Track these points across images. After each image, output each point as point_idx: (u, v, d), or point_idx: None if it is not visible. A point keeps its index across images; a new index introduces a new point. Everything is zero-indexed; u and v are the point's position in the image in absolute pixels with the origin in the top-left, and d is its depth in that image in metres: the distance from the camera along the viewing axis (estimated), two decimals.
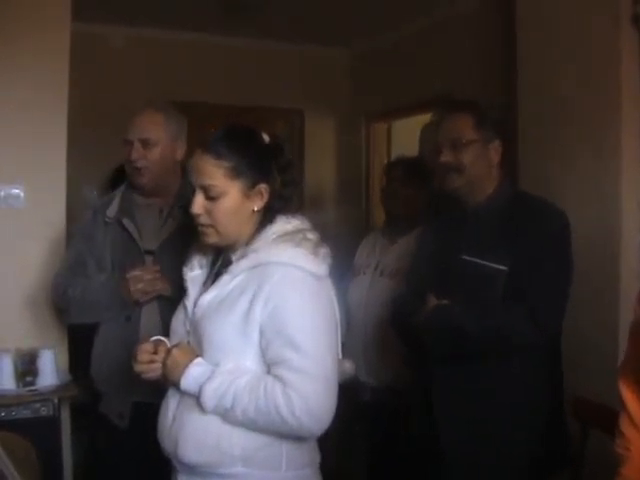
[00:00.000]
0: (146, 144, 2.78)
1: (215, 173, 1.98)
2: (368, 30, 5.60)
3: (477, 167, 2.61)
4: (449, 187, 2.67)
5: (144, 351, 2.06)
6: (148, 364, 2.05)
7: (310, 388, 1.85)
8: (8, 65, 3.48)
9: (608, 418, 2.53)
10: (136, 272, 2.72)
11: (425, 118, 5.03)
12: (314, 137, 6.26)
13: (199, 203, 2.00)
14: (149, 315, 2.77)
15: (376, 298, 3.31)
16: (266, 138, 2.09)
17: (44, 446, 3.03)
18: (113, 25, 5.29)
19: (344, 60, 6.35)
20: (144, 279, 2.72)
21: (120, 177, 4.69)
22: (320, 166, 6.28)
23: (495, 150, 2.64)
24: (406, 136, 5.97)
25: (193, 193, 2.02)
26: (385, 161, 6.11)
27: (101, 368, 2.88)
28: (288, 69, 5.98)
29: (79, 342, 3.29)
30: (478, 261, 2.55)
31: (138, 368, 2.06)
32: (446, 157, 2.62)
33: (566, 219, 2.58)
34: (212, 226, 2.02)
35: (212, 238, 2.04)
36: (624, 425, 2.00)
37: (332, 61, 6.29)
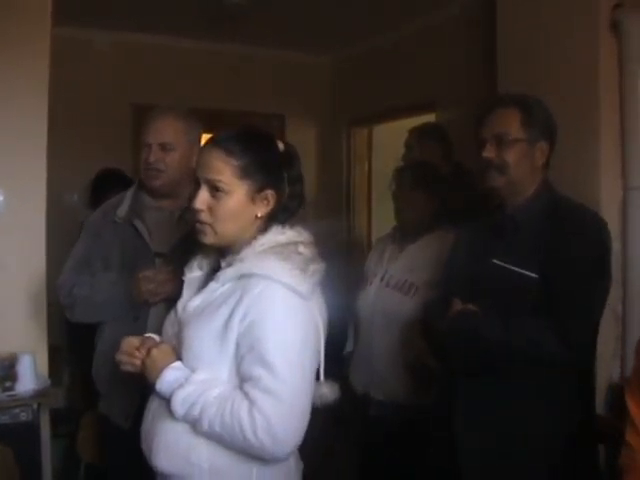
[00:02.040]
0: (165, 148, 2.78)
1: (223, 169, 1.91)
2: (349, 36, 5.62)
3: (520, 168, 2.45)
4: (489, 186, 2.51)
5: (129, 343, 2.03)
6: (129, 356, 2.01)
7: (275, 410, 1.78)
8: None
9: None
10: (148, 272, 2.71)
11: (406, 123, 5.05)
12: (295, 142, 6.02)
13: (202, 199, 1.93)
14: (157, 316, 2.72)
15: (382, 310, 3.22)
16: (281, 146, 2.02)
17: (23, 452, 3.03)
18: (97, 30, 5.28)
19: (325, 66, 6.38)
20: (156, 280, 2.71)
21: (104, 181, 4.72)
22: None
23: (541, 151, 2.48)
24: (387, 141, 6.00)
25: (197, 187, 1.96)
26: (366, 166, 6.15)
27: (104, 367, 2.83)
28: (269, 74, 6.00)
29: (81, 343, 3.29)
30: (508, 267, 2.41)
31: (118, 357, 2.03)
32: (489, 153, 2.46)
33: (607, 230, 2.45)
34: (211, 225, 1.94)
35: (209, 237, 1.96)
36: (630, 436, 2.02)
37: (313, 67, 6.31)
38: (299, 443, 1.85)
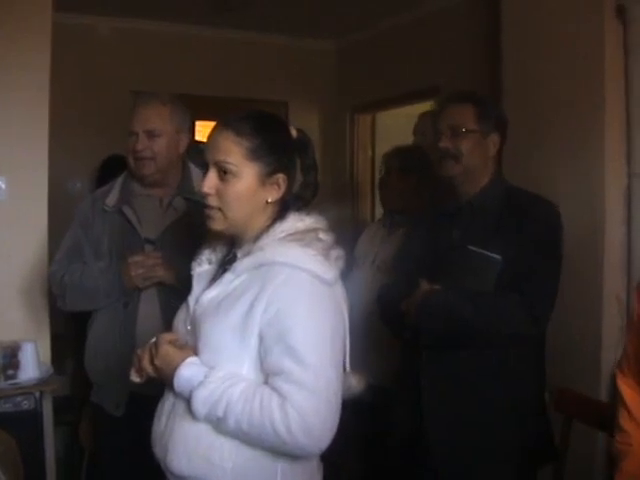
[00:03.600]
0: (151, 135, 2.77)
1: (233, 150, 1.83)
2: (353, 22, 5.59)
3: (474, 157, 2.62)
4: (445, 174, 2.67)
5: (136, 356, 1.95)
6: (136, 370, 1.95)
7: (310, 404, 1.69)
8: None
9: (591, 410, 2.57)
10: (138, 257, 2.71)
11: (409, 110, 5.05)
12: None
13: (211, 182, 1.85)
14: (148, 302, 2.76)
15: (373, 291, 3.18)
16: (294, 133, 1.95)
17: (26, 440, 3.03)
18: (99, 16, 5.23)
19: (328, 52, 6.34)
20: (146, 265, 2.71)
21: (109, 168, 4.70)
22: None
23: (493, 143, 2.65)
24: (390, 128, 5.98)
25: (206, 171, 1.88)
26: (370, 153, 6.13)
27: (96, 357, 2.86)
28: (272, 61, 5.95)
29: (76, 332, 3.29)
30: (473, 249, 2.55)
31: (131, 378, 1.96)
32: (445, 143, 2.63)
33: (558, 212, 2.61)
34: (220, 210, 1.86)
35: (218, 223, 1.88)
36: (623, 420, 2.01)
37: (316, 53, 6.27)
38: (332, 437, 1.75)
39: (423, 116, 4.13)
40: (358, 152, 6.17)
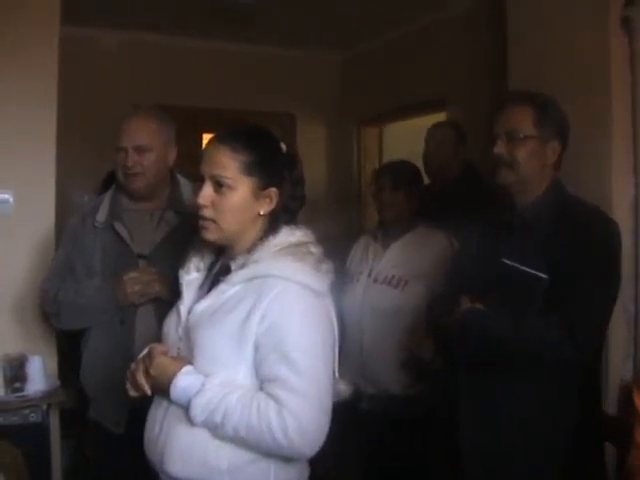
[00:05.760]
0: (141, 151, 2.76)
1: (229, 165, 1.92)
2: (359, 34, 5.61)
3: (530, 165, 2.45)
4: (500, 182, 2.51)
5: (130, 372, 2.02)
6: (133, 385, 2.00)
7: (305, 409, 1.79)
8: None
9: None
10: (133, 274, 2.71)
11: (417, 122, 5.04)
12: (306, 141, 6.24)
13: (206, 194, 1.94)
14: (144, 318, 2.75)
15: (372, 305, 3.28)
16: (284, 147, 2.04)
17: (33, 453, 3.03)
18: (105, 29, 5.28)
19: (335, 64, 6.37)
20: (142, 281, 2.70)
21: (114, 181, 4.70)
22: (312, 170, 6.20)
23: (552, 151, 2.48)
24: (398, 140, 5.99)
25: (201, 183, 1.95)
26: (376, 165, 6.13)
27: (92, 373, 2.85)
28: (279, 73, 5.98)
29: (69, 347, 3.27)
30: (518, 266, 2.41)
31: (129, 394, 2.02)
32: (500, 149, 2.46)
33: (617, 232, 2.45)
34: (215, 221, 1.94)
35: (212, 234, 1.96)
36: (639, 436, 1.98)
37: (323, 65, 6.30)
38: (324, 440, 1.86)
39: (436, 126, 4.14)
40: (365, 164, 6.18)
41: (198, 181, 2.01)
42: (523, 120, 2.45)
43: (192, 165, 2.98)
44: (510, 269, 2.42)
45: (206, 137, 5.14)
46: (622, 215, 2.94)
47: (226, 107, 5.57)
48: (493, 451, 2.44)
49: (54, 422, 3.38)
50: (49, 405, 3.32)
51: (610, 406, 2.94)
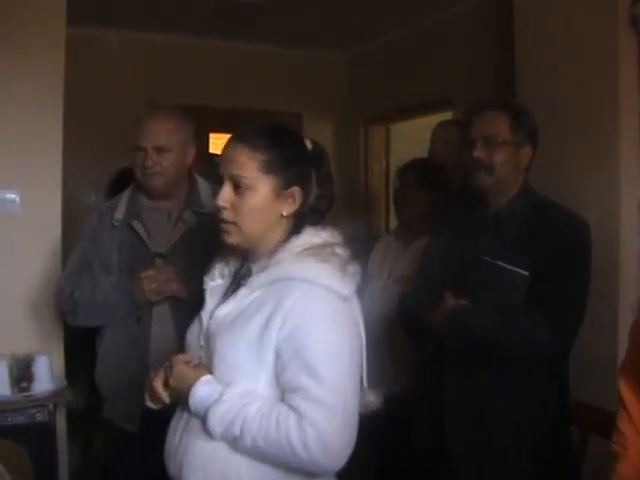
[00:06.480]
0: (160, 151, 2.77)
1: (248, 165, 1.82)
2: (365, 33, 5.60)
3: (507, 169, 2.57)
4: (477, 185, 2.61)
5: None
6: (151, 397, 1.94)
7: (327, 421, 1.67)
8: (3, 70, 3.48)
9: (607, 422, 2.52)
10: (150, 272, 2.72)
11: (423, 121, 5.03)
12: None
13: (226, 196, 1.83)
14: (160, 317, 2.76)
15: (387, 305, 3.20)
16: (309, 145, 1.93)
17: (39, 452, 3.03)
18: (110, 29, 5.26)
19: (342, 63, 6.36)
20: (159, 279, 2.71)
21: (124, 180, 4.70)
22: None
23: (525, 155, 2.61)
24: (404, 139, 5.98)
25: (220, 184, 1.86)
26: (384, 165, 6.13)
27: (107, 371, 2.86)
28: (286, 73, 5.97)
29: (80, 347, 3.28)
30: (501, 264, 2.50)
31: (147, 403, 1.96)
32: (479, 153, 2.57)
33: (589, 231, 2.57)
34: (235, 224, 1.84)
35: (233, 237, 1.86)
36: (622, 423, 1.99)
37: (330, 64, 6.29)
38: (350, 454, 1.73)
39: (441, 125, 4.12)
40: (372, 164, 6.18)
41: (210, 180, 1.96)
42: (500, 126, 2.58)
43: (199, 164, 3.01)
44: (492, 267, 2.52)
45: (213, 137, 5.14)
46: (630, 217, 2.94)
47: (233, 107, 5.56)
48: (484, 450, 2.50)
49: (61, 422, 3.39)
50: (55, 405, 3.33)
51: (613, 402, 2.93)
